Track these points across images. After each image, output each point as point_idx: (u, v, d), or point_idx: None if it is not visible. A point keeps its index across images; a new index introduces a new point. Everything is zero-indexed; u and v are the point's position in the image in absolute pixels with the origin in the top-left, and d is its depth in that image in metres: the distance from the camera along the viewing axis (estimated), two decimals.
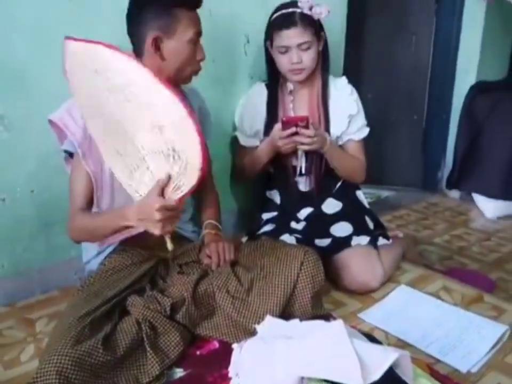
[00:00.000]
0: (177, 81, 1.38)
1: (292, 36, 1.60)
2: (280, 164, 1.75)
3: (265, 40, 1.71)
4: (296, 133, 1.56)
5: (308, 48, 1.61)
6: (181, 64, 1.32)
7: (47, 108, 1.31)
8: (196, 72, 1.39)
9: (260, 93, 1.79)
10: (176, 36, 1.29)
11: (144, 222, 1.15)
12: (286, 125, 1.56)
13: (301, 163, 1.73)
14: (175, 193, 1.15)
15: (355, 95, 1.76)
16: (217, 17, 1.76)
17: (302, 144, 1.59)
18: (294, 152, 1.71)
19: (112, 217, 1.24)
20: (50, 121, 1.29)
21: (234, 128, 1.86)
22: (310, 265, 1.30)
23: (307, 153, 1.71)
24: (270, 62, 1.74)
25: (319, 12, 1.61)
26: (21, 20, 1.39)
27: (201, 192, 1.57)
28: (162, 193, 1.14)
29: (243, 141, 1.81)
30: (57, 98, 1.31)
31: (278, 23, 1.62)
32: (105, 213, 1.31)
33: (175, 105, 1.09)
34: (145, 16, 1.27)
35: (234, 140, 1.86)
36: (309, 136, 1.56)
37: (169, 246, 1.22)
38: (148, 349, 1.13)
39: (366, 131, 1.79)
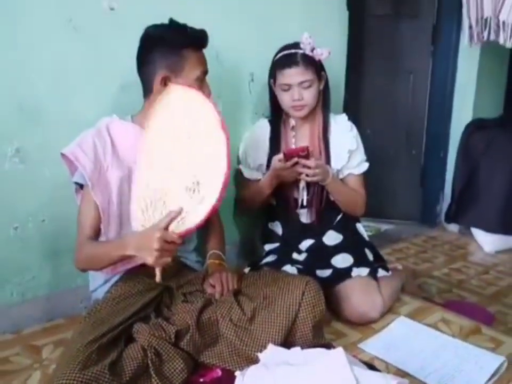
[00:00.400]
0: None
1: (294, 75, 1.68)
2: (282, 196, 1.81)
3: (269, 78, 1.80)
4: (296, 164, 1.62)
5: (309, 86, 1.70)
6: None
7: (60, 141, 1.38)
8: None
9: (264, 128, 1.86)
10: (184, 74, 1.37)
11: (141, 250, 1.19)
12: (287, 157, 1.63)
13: (302, 196, 1.79)
14: (179, 227, 1.20)
15: (354, 131, 1.84)
16: (223, 57, 1.85)
17: (306, 175, 1.65)
18: (296, 185, 1.77)
19: (112, 246, 1.29)
20: (62, 155, 1.35)
21: (238, 162, 1.92)
22: (311, 295, 1.34)
23: (308, 186, 1.77)
24: (273, 99, 1.82)
25: (320, 53, 1.70)
26: (41, 61, 1.48)
27: (207, 223, 1.63)
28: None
29: (247, 173, 1.87)
30: (70, 133, 1.39)
31: (281, 62, 1.71)
32: (107, 242, 1.36)
33: (217, 131, 1.23)
34: (154, 56, 1.36)
35: (238, 173, 1.92)
36: (311, 167, 1.62)
37: (158, 278, 1.23)
38: (153, 375, 1.15)
39: (365, 166, 1.86)
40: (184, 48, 1.36)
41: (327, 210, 1.82)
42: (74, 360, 1.08)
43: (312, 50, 1.69)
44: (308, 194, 1.79)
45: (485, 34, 1.81)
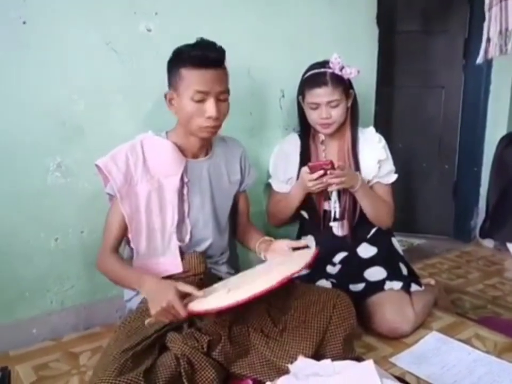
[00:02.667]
0: (193, 134, 1.46)
1: (322, 95, 1.70)
2: (314, 209, 1.83)
3: (298, 95, 1.83)
4: (324, 174, 1.63)
5: (337, 105, 1.72)
6: (187, 119, 1.41)
7: (98, 156, 1.43)
8: (206, 128, 1.41)
9: (293, 142, 1.89)
10: (180, 93, 1.38)
11: (151, 299, 1.23)
12: (312, 169, 1.65)
13: (334, 208, 1.80)
14: (191, 305, 1.22)
15: (383, 142, 1.84)
16: (255, 74, 1.90)
17: (332, 184, 1.65)
18: (328, 198, 1.79)
19: (132, 277, 1.35)
20: (97, 166, 1.42)
21: (269, 176, 1.96)
22: (342, 308, 1.35)
23: (340, 199, 1.78)
24: (302, 114, 1.85)
25: (349, 72, 1.72)
26: (82, 81, 1.56)
27: (245, 230, 1.68)
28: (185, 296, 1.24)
29: (277, 186, 1.90)
30: (108, 148, 1.44)
31: (310, 81, 1.74)
32: (130, 270, 1.40)
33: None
34: (168, 73, 1.43)
35: (269, 187, 1.95)
36: (337, 176, 1.63)
37: (147, 322, 1.23)
38: (186, 383, 1.18)
39: (394, 177, 1.85)
40: (182, 67, 1.36)
41: (361, 224, 1.83)
42: (110, 366, 1.12)
43: (341, 69, 1.71)
44: (340, 207, 1.80)
45: (509, 46, 1.78)
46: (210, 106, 1.37)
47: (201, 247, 1.52)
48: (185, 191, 1.48)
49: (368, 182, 1.82)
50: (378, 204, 1.81)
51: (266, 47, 1.93)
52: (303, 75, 1.79)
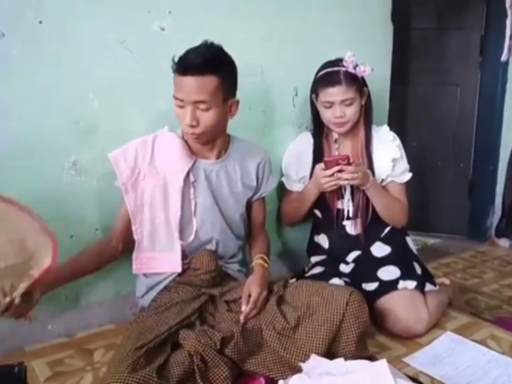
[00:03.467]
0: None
1: (336, 93, 1.69)
2: (327, 207, 1.82)
3: (311, 93, 1.82)
4: (339, 171, 1.63)
5: (351, 104, 1.70)
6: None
7: None
8: (187, 134, 1.46)
9: (306, 141, 1.89)
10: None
11: None
12: (328, 164, 1.64)
13: (348, 207, 1.79)
14: None
15: (397, 141, 1.83)
16: (268, 72, 1.90)
17: (345, 179, 1.64)
18: (341, 196, 1.78)
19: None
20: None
21: (282, 174, 1.95)
22: (355, 306, 1.34)
23: (353, 197, 1.77)
24: (315, 113, 1.84)
25: (363, 70, 1.70)
26: (96, 80, 1.57)
27: (254, 236, 1.68)
28: None
29: (289, 185, 1.90)
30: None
31: (324, 80, 1.73)
32: (72, 258, 1.46)
33: None
34: None
35: (281, 185, 1.95)
36: (350, 172, 1.62)
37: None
38: (199, 380, 1.18)
39: (408, 175, 1.84)
40: (175, 72, 1.38)
41: (374, 222, 1.81)
42: (123, 363, 1.13)
43: (355, 67, 1.70)
44: (353, 205, 1.79)
45: None
46: (185, 114, 1.38)
47: (208, 248, 1.52)
48: (191, 190, 1.49)
49: (382, 181, 1.81)
50: (391, 202, 1.80)
51: (279, 45, 1.93)
52: (316, 74, 1.78)
